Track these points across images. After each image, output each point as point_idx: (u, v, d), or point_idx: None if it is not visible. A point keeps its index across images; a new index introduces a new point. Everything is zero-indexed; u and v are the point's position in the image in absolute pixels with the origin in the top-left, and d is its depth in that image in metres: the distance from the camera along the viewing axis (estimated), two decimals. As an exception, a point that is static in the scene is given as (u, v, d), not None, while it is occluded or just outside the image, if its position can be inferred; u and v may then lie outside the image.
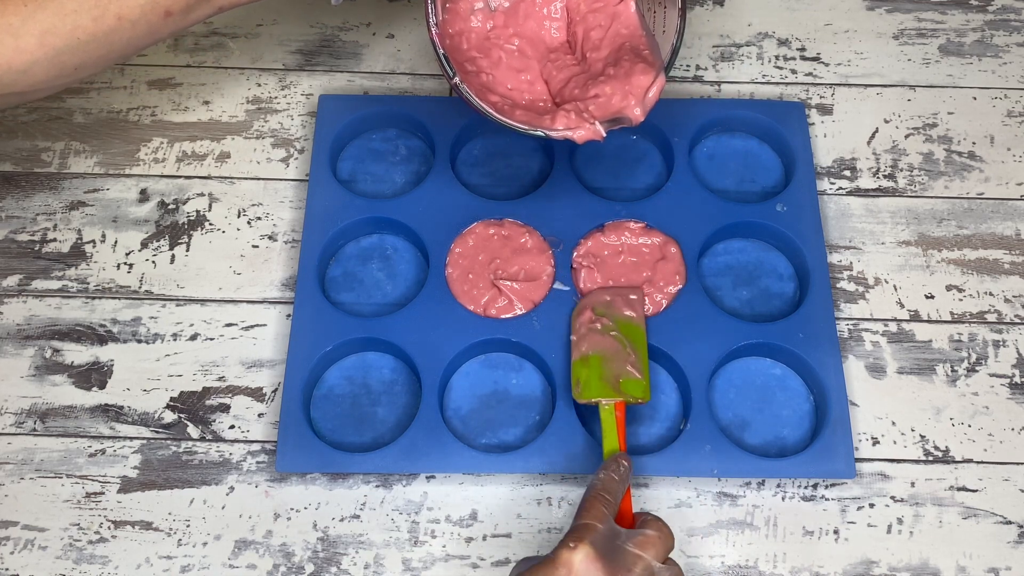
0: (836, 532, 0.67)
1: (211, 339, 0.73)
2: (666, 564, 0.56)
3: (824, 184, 0.80)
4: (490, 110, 0.65)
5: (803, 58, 0.86)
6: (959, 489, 0.69)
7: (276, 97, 0.83)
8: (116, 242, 0.77)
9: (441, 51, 0.65)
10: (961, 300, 0.75)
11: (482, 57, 0.71)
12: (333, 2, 0.70)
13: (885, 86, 0.85)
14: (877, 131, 0.83)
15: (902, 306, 0.75)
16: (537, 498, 0.68)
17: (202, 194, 0.79)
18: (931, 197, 0.80)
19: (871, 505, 0.68)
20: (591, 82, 0.69)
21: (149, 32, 0.61)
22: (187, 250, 0.76)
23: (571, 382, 0.68)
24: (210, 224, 0.77)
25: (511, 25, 0.72)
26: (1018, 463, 0.70)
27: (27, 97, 0.62)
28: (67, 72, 0.60)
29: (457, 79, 0.65)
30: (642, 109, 0.65)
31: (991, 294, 0.76)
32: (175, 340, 0.73)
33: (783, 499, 0.68)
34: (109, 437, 0.70)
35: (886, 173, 0.81)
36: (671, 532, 0.57)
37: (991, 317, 0.75)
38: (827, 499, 0.68)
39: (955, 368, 0.73)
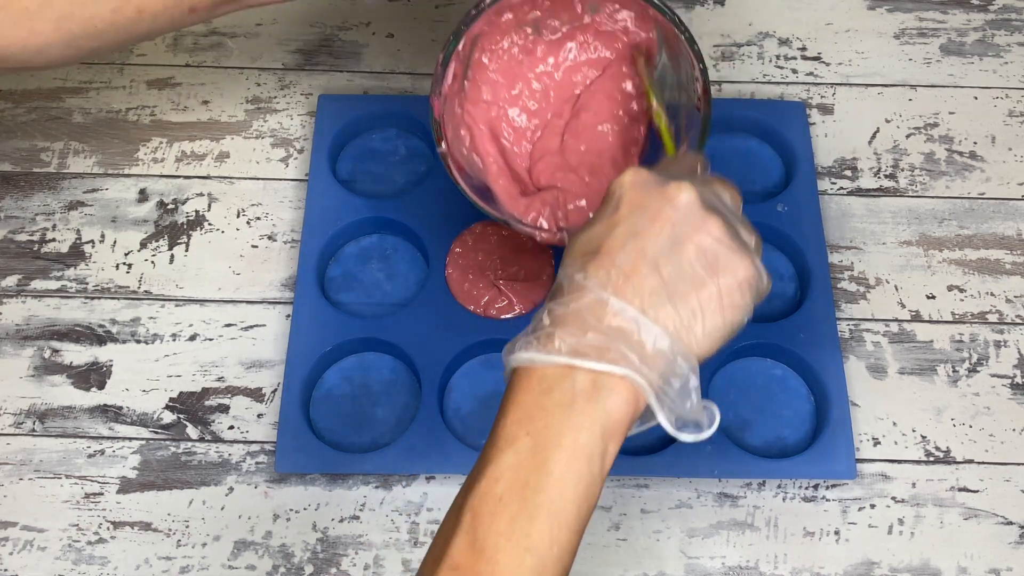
0: (837, 533, 0.67)
1: (210, 339, 0.73)
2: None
3: (825, 184, 0.80)
4: (466, 188, 0.64)
5: (804, 58, 0.86)
6: (960, 490, 0.69)
7: (276, 97, 0.83)
8: (115, 242, 0.76)
9: (436, 116, 0.62)
10: (962, 300, 0.75)
11: (503, 84, 0.69)
12: (369, 1, 0.68)
13: (886, 86, 0.84)
14: (878, 131, 0.82)
15: (903, 306, 0.75)
16: (537, 499, 0.68)
17: (201, 194, 0.78)
18: (932, 197, 0.79)
19: (872, 506, 0.68)
20: (565, 172, 0.68)
21: (171, 25, 0.61)
22: (186, 250, 0.76)
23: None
24: (209, 224, 0.77)
25: (544, 62, 0.70)
26: (1019, 463, 0.70)
27: (40, 69, 0.62)
28: (83, 54, 0.60)
29: (444, 148, 0.63)
30: None
31: (992, 294, 0.75)
32: (174, 340, 0.73)
33: (784, 500, 0.68)
34: (108, 437, 0.69)
35: (887, 173, 0.80)
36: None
37: (992, 317, 0.75)
38: (828, 500, 0.68)
39: (956, 368, 0.73)
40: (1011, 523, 0.68)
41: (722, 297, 0.47)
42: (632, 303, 0.45)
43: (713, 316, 0.47)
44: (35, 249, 0.76)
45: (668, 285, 0.46)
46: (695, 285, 0.46)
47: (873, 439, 0.70)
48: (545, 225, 0.66)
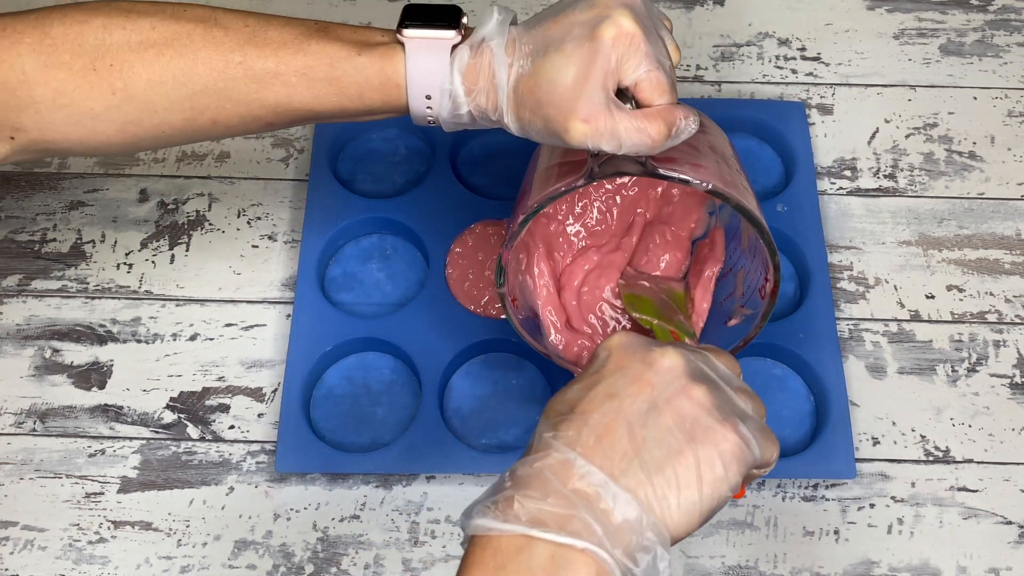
0: (836, 532, 0.67)
1: (211, 339, 0.73)
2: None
3: (824, 184, 0.80)
4: (517, 324, 0.62)
5: (803, 58, 0.86)
6: (959, 489, 0.69)
7: (276, 97, 0.83)
8: (116, 242, 0.76)
9: (503, 263, 0.59)
10: (962, 300, 0.75)
11: (567, 198, 0.66)
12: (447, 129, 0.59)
13: (885, 86, 0.85)
14: (877, 131, 0.82)
15: (902, 306, 0.75)
16: (537, 498, 0.68)
17: (202, 194, 0.78)
18: (932, 197, 0.80)
19: (871, 505, 0.68)
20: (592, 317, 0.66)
21: (243, 132, 0.58)
22: (187, 250, 0.76)
23: (624, 302, 0.64)
24: (210, 224, 0.77)
25: (612, 180, 0.67)
26: (1018, 463, 0.70)
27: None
28: (145, 150, 0.57)
29: (504, 289, 0.60)
30: None
31: (991, 294, 0.76)
32: (175, 340, 0.73)
33: (783, 499, 0.68)
34: (109, 437, 0.70)
35: (886, 173, 0.80)
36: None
37: (991, 317, 0.75)
38: (827, 499, 0.68)
39: (955, 368, 0.73)
40: (1010, 523, 0.68)
41: (700, 468, 0.43)
42: (601, 466, 0.42)
43: (689, 488, 0.43)
44: (36, 249, 0.76)
45: (642, 451, 0.43)
46: (671, 453, 0.43)
47: (872, 439, 0.70)
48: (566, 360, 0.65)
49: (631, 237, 0.68)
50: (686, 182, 0.54)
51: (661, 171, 0.53)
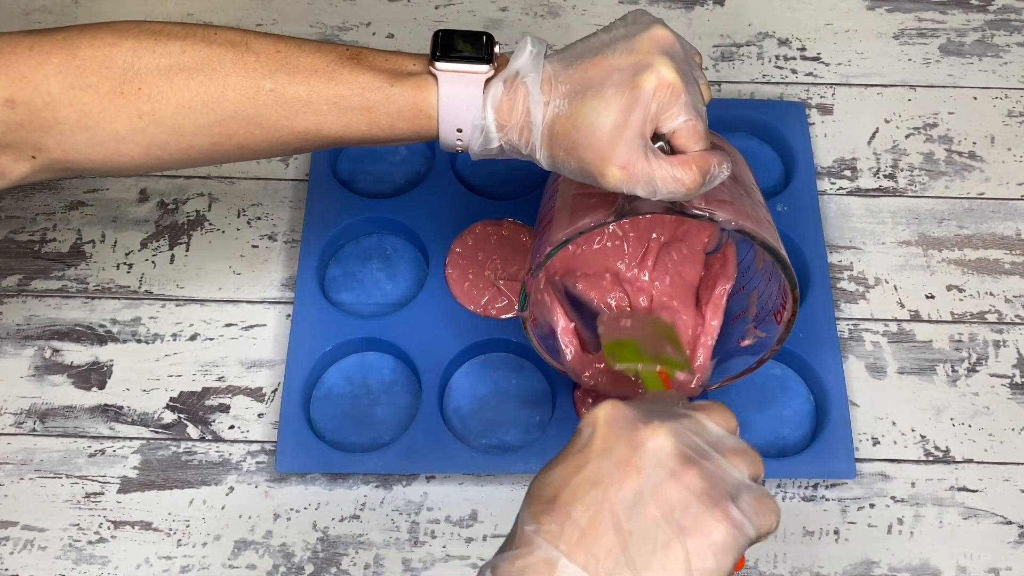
0: (836, 532, 0.67)
1: (211, 339, 0.73)
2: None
3: (824, 184, 0.80)
4: (537, 344, 0.63)
5: (803, 58, 0.86)
6: (959, 489, 0.69)
7: (276, 97, 0.83)
8: (116, 242, 0.76)
9: (528, 290, 0.59)
10: (961, 300, 0.75)
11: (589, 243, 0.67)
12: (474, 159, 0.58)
13: (885, 86, 0.85)
14: (877, 131, 0.82)
15: (902, 306, 0.75)
16: (537, 498, 0.68)
17: (202, 194, 0.78)
18: (931, 197, 0.80)
19: (871, 505, 0.68)
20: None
21: (269, 155, 0.57)
22: (187, 250, 0.76)
23: (605, 355, 0.63)
24: (210, 224, 0.77)
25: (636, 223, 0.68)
26: (1018, 463, 0.70)
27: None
28: (169, 170, 0.56)
29: (526, 313, 0.61)
30: None
31: (991, 294, 0.76)
32: (175, 340, 0.73)
33: (783, 499, 0.68)
34: (109, 437, 0.70)
35: (886, 173, 0.80)
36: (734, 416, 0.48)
37: (991, 317, 0.75)
38: (827, 499, 0.68)
39: (955, 368, 0.73)
40: (1010, 523, 0.68)
41: (690, 561, 0.41)
42: (585, 566, 0.41)
43: None
44: (36, 249, 0.76)
45: (628, 546, 0.41)
46: (659, 547, 0.41)
47: (872, 439, 0.70)
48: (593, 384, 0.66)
49: (647, 261, 0.68)
50: (714, 221, 0.54)
51: (689, 210, 0.54)
